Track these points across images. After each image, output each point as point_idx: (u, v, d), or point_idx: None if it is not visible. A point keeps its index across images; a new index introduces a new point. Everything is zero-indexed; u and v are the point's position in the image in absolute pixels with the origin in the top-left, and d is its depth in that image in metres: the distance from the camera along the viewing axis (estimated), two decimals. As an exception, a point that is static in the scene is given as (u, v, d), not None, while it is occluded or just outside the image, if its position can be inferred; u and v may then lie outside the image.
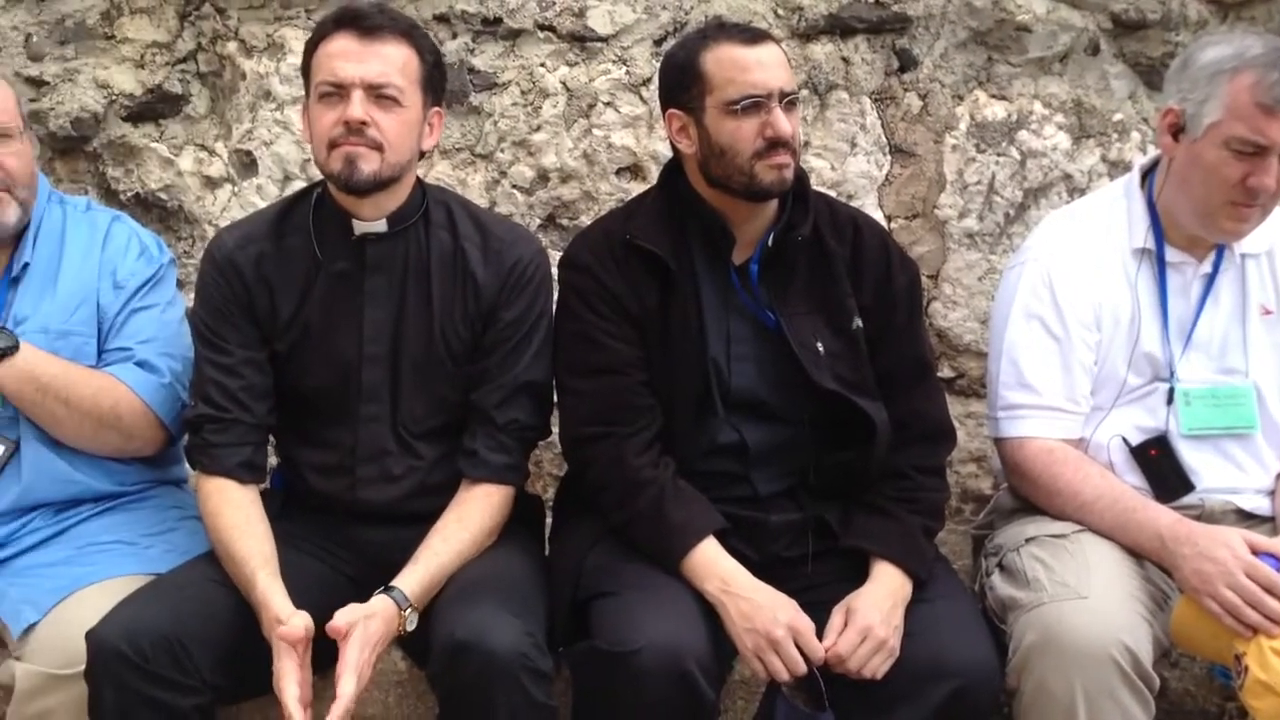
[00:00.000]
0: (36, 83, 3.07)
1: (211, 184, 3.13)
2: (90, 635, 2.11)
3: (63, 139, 3.08)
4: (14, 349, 2.35)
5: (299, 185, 3.05)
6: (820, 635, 2.16)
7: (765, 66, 2.26)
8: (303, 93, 3.00)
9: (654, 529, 2.25)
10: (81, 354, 2.48)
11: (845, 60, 3.09)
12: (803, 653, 2.13)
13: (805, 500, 2.38)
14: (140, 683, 2.07)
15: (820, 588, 2.29)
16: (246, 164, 3.12)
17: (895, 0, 3.07)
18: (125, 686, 2.07)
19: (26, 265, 2.50)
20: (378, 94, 2.25)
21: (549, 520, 2.63)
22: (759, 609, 2.15)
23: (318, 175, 3.01)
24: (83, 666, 2.14)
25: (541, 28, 3.01)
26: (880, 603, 2.20)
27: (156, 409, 2.48)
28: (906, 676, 2.14)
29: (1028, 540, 2.34)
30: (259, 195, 3.11)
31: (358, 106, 2.23)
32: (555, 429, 2.48)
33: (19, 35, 3.08)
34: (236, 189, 3.13)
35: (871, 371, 2.37)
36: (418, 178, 2.43)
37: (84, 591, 2.31)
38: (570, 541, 2.39)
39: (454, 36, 2.99)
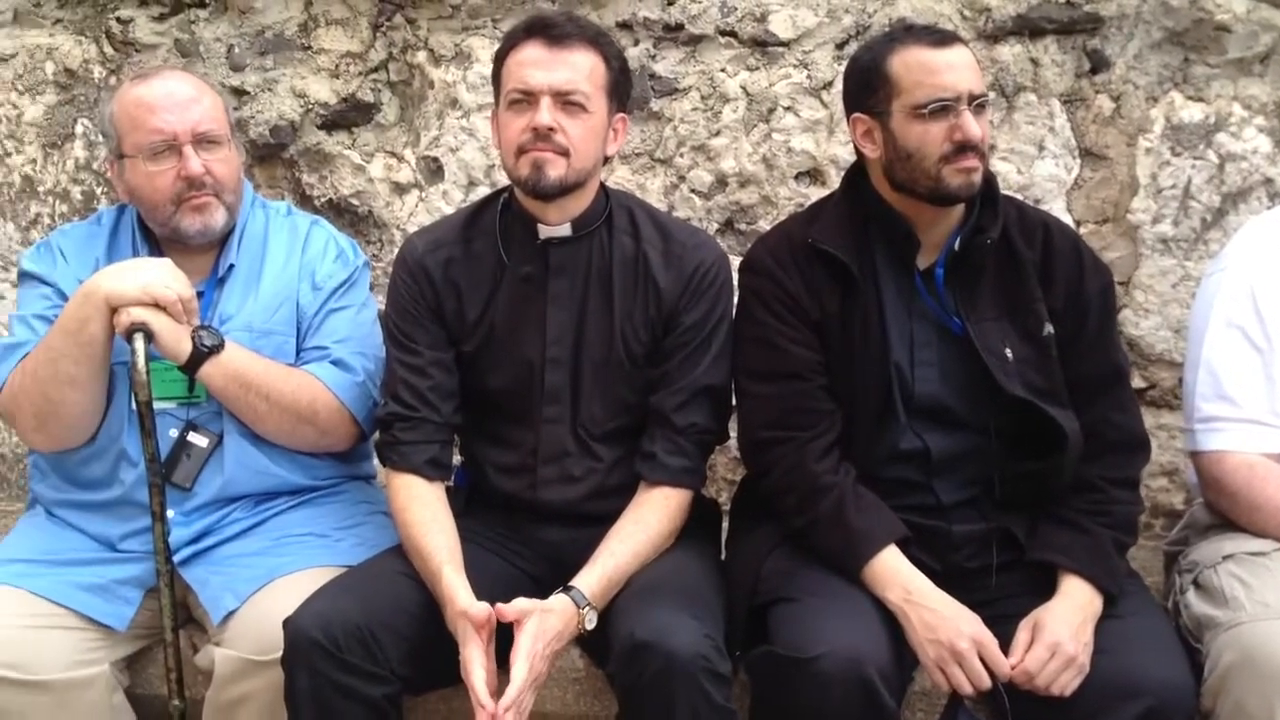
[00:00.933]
0: (238, 92, 3.21)
1: (400, 189, 3.22)
2: (287, 623, 2.19)
3: (261, 146, 3.20)
4: (220, 346, 2.45)
5: (483, 191, 3.12)
6: (1004, 650, 2.12)
7: (955, 69, 2.22)
8: (488, 100, 3.10)
9: (835, 535, 2.24)
10: (281, 352, 2.58)
11: (1034, 61, 3.02)
12: (987, 667, 2.10)
13: (989, 510, 2.33)
14: (333, 670, 2.14)
15: (1005, 601, 2.24)
16: (433, 170, 3.20)
17: (1087, 0, 2.98)
18: (319, 673, 2.14)
19: (232, 267, 2.61)
20: (565, 100, 2.29)
21: (725, 524, 2.64)
22: (943, 620, 2.12)
23: (501, 181, 3.10)
24: (279, 653, 2.22)
25: (723, 33, 3.01)
26: (1069, 618, 2.14)
27: (350, 406, 2.57)
28: (1096, 694, 2.08)
29: (1225, 557, 2.25)
30: (444, 200, 3.19)
31: (545, 113, 2.27)
32: (733, 433, 2.49)
33: (221, 47, 3.23)
34: (423, 194, 3.21)
35: (1062, 379, 2.31)
36: (601, 182, 2.47)
37: (280, 581, 2.41)
38: (748, 546, 2.39)
39: (636, 43, 3.02)
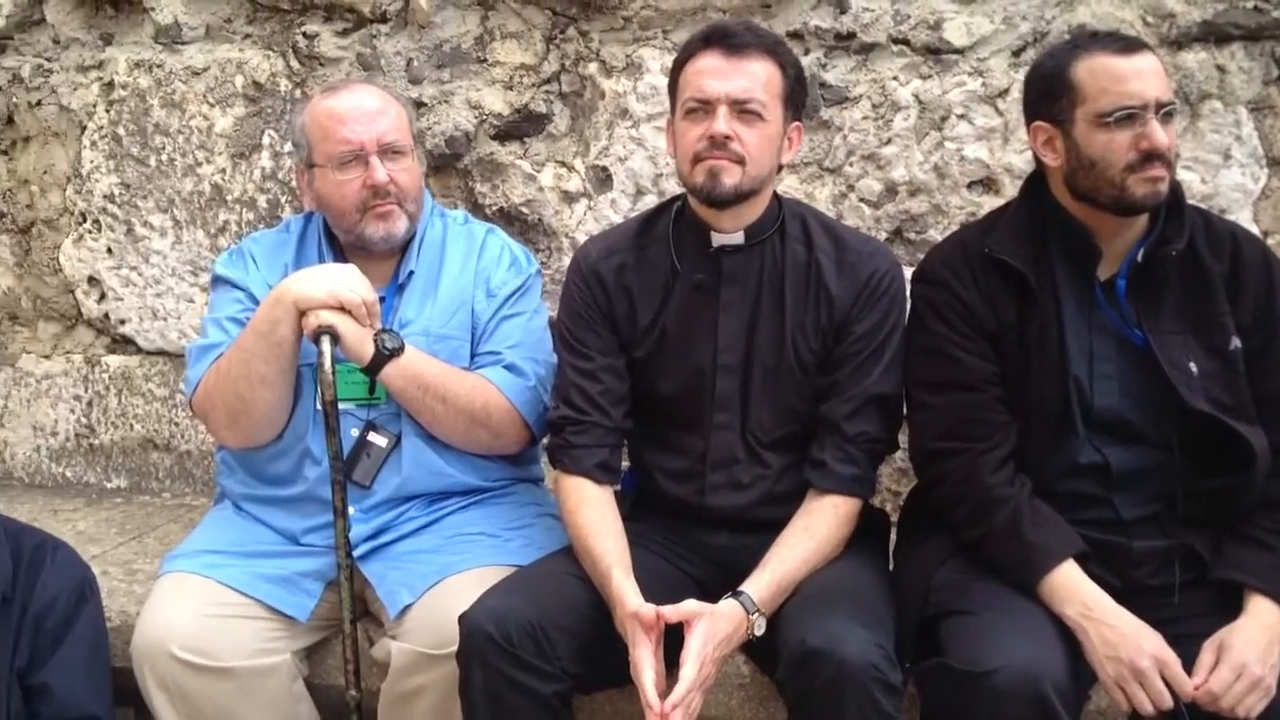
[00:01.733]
0: (416, 104, 3.30)
1: (569, 198, 3.28)
2: (462, 619, 2.24)
3: (437, 156, 3.29)
4: (401, 350, 2.53)
5: (651, 200, 3.15)
6: (1188, 670, 2.06)
7: (1142, 76, 2.17)
8: (657, 110, 3.14)
9: (1010, 548, 2.20)
10: (457, 356, 2.65)
11: (1220, 69, 2.92)
12: (1168, 686, 2.04)
13: (1171, 527, 2.26)
14: (507, 666, 2.18)
15: (1187, 620, 2.17)
16: (602, 179, 3.25)
17: (1276, 5, 2.88)
18: (493, 668, 2.19)
19: (411, 273, 2.69)
20: (741, 109, 2.30)
21: (893, 535, 2.62)
22: (1123, 637, 2.07)
23: (669, 190, 3.13)
24: (453, 648, 2.27)
25: (895, 41, 3.00)
26: (1255, 639, 2.07)
27: (522, 410, 2.62)
28: (1280, 718, 2.01)
29: None
30: (613, 209, 3.23)
31: (722, 121, 2.29)
32: (902, 444, 2.47)
33: (401, 60, 3.33)
34: (592, 203, 3.26)
35: (1249, 395, 2.23)
36: (774, 190, 2.47)
37: (454, 578, 2.47)
38: (919, 557, 2.37)
39: (806, 52, 3.02)
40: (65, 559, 2.59)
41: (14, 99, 3.63)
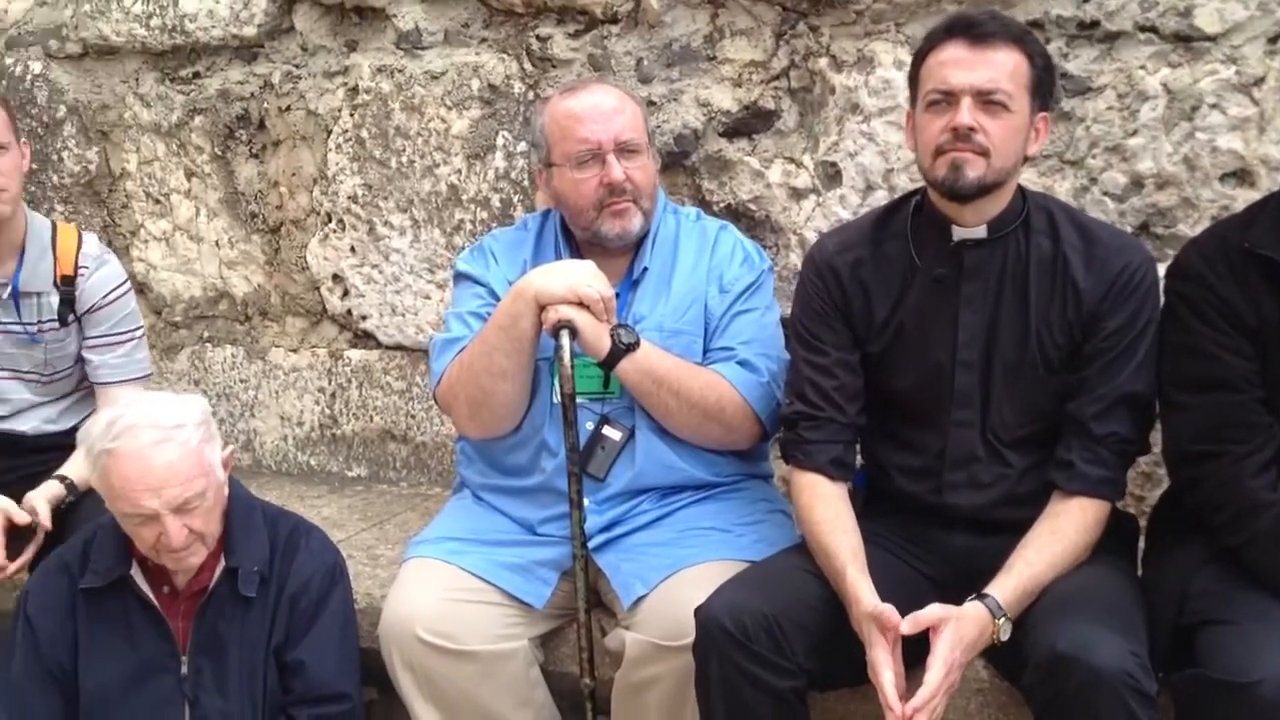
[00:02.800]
0: (646, 103, 3.34)
1: (797, 194, 3.27)
2: (698, 612, 2.25)
3: (665, 154, 3.32)
4: (636, 344, 2.57)
5: (881, 195, 3.11)
6: None
7: None
8: (889, 105, 3.10)
9: (1276, 554, 2.09)
10: (690, 351, 2.68)
11: None
12: None
13: None
14: (743, 660, 2.19)
15: None
16: (831, 175, 3.23)
17: None
18: (730, 662, 2.20)
19: (646, 269, 2.73)
20: (986, 100, 2.25)
21: (1141, 540, 2.52)
22: None
23: (900, 185, 3.08)
24: (687, 639, 2.30)
25: (1142, 29, 2.88)
26: None
27: (754, 405, 2.63)
28: None
29: None
30: (841, 205, 3.21)
31: (966, 113, 2.24)
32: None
33: (631, 60, 3.37)
34: (820, 199, 3.24)
35: None
36: (1019, 183, 2.41)
37: (687, 571, 2.49)
38: (1172, 563, 2.27)
39: (1047, 42, 2.93)
40: (318, 543, 2.73)
41: (265, 105, 3.82)
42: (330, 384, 3.91)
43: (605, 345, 2.55)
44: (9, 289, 3.16)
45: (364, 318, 3.81)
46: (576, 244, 2.78)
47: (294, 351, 3.96)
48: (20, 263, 3.17)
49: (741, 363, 2.65)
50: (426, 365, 3.75)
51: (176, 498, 2.42)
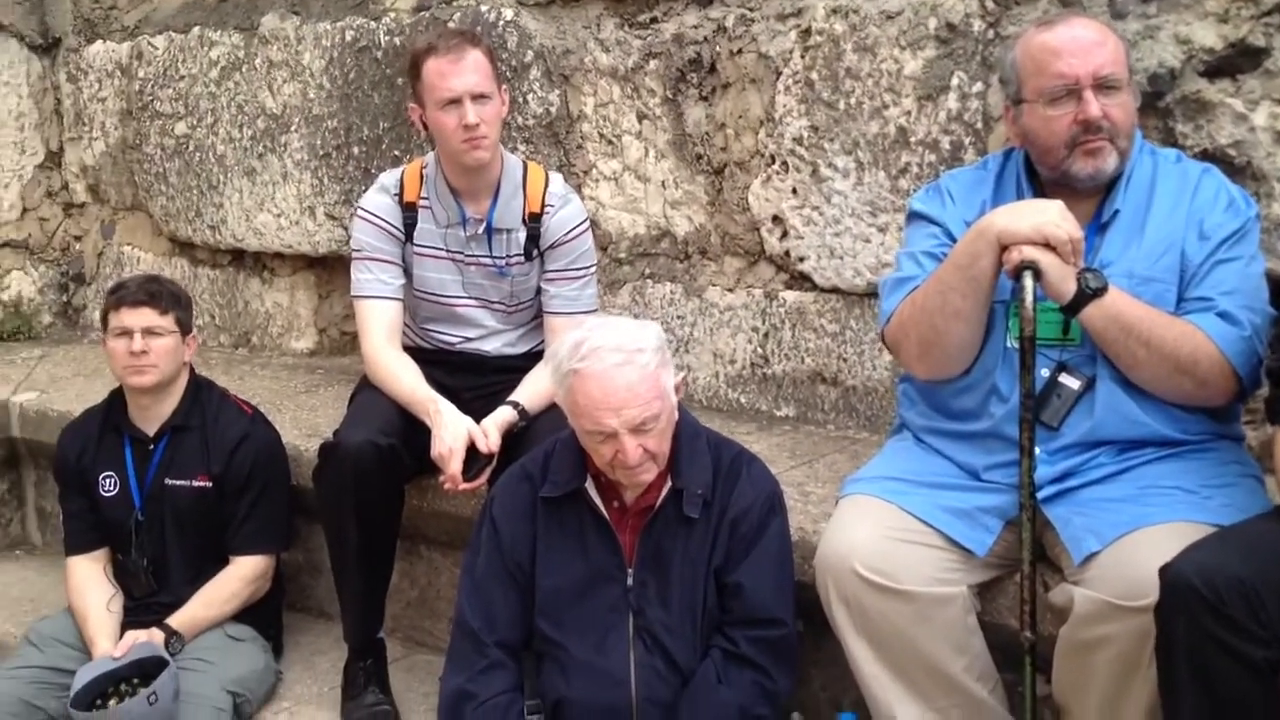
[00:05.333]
0: (1117, 41, 3.17)
1: (1283, 140, 3.01)
2: (1164, 571, 2.14)
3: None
4: (1104, 290, 2.45)
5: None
6: None
7: None
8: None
9: None
10: (1161, 300, 2.53)
11: None
12: None
13: None
14: (1214, 625, 2.07)
15: None
16: (1324, 119, 2.94)
17: None
18: (1199, 626, 2.08)
19: (1116, 212, 2.60)
20: None
21: None
22: None
23: None
24: (1144, 600, 2.20)
25: None
26: None
27: (1233, 360, 2.45)
28: None
29: None
30: (1336, 152, 2.92)
31: None
32: None
33: (1104, -3, 3.20)
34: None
35: None
36: None
37: (1146, 530, 2.37)
38: None
39: None
40: (759, 472, 2.79)
41: (717, 48, 3.91)
42: (764, 324, 3.97)
43: (1070, 289, 2.46)
44: (483, 225, 3.41)
45: (801, 259, 3.84)
46: (1040, 185, 2.68)
47: (730, 291, 4.05)
48: (495, 201, 3.42)
49: (1221, 314, 2.47)
50: (862, 309, 3.76)
51: (634, 418, 2.55)
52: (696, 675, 2.65)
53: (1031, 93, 2.58)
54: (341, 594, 3.37)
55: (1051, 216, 2.45)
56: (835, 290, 3.81)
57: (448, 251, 3.45)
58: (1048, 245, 2.43)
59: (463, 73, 3.23)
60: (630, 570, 2.70)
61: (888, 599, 2.53)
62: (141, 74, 5.43)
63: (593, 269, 3.52)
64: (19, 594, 4.29)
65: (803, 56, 3.72)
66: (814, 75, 3.71)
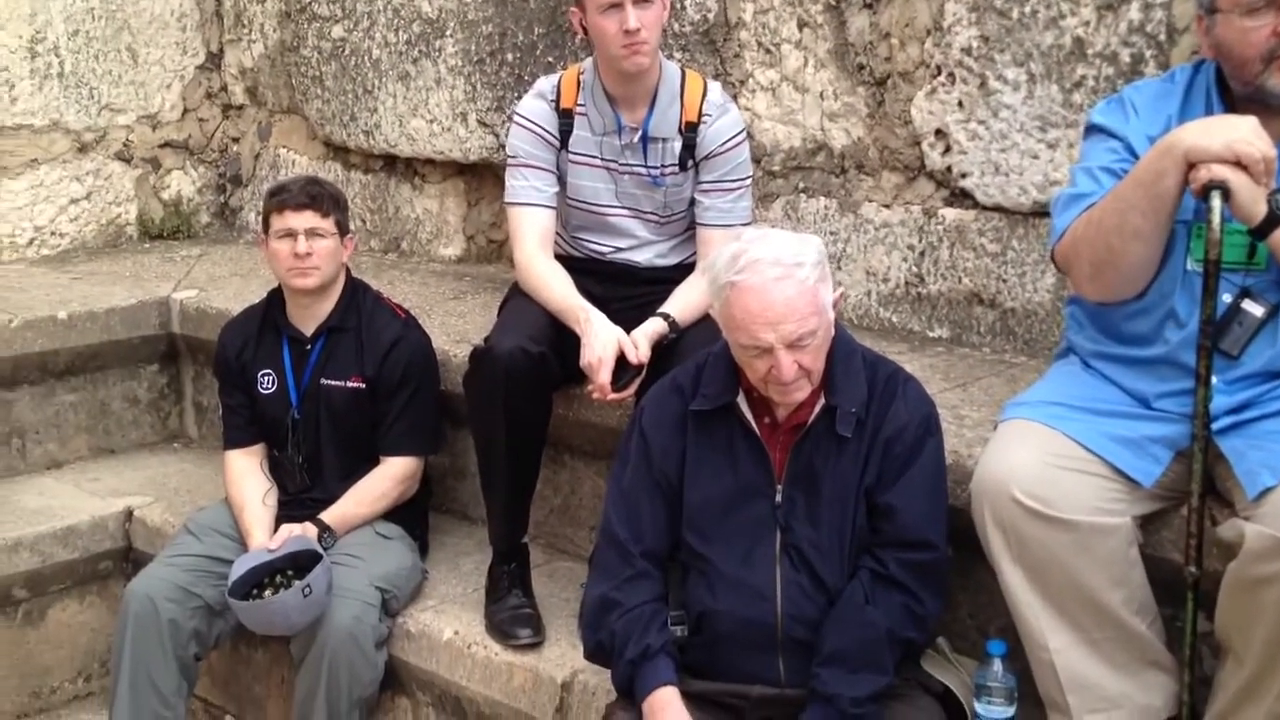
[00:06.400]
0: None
1: None
2: (1350, 510, 2.04)
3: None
4: (1295, 213, 2.33)
5: None
6: None
7: None
8: None
9: None
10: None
11: None
12: None
13: None
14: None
15: None
16: None
17: None
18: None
19: None
20: None
21: None
22: None
23: None
24: (1321, 539, 2.10)
25: None
26: None
27: None
28: None
29: None
30: None
31: None
32: None
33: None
34: None
35: None
36: None
37: (1328, 467, 2.26)
38: None
39: None
40: (914, 392, 2.73)
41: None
42: (920, 242, 3.87)
43: (1260, 211, 2.33)
44: (639, 133, 3.37)
45: (964, 175, 3.72)
46: (1232, 101, 2.53)
47: (886, 207, 3.94)
48: (651, 109, 3.36)
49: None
50: (1025, 229, 3.63)
51: (791, 334, 2.50)
52: (844, 595, 2.62)
53: (1227, 3, 2.43)
54: (488, 498, 3.41)
55: (1244, 134, 2.31)
56: (998, 209, 3.68)
57: (602, 160, 3.41)
58: (1239, 164, 2.30)
59: (625, -26, 3.17)
60: (780, 487, 2.67)
61: (1046, 527, 2.46)
62: (301, -23, 5.48)
63: (748, 181, 3.46)
64: (177, 485, 4.45)
65: (975, -39, 3.57)
66: (988, -18, 3.56)
